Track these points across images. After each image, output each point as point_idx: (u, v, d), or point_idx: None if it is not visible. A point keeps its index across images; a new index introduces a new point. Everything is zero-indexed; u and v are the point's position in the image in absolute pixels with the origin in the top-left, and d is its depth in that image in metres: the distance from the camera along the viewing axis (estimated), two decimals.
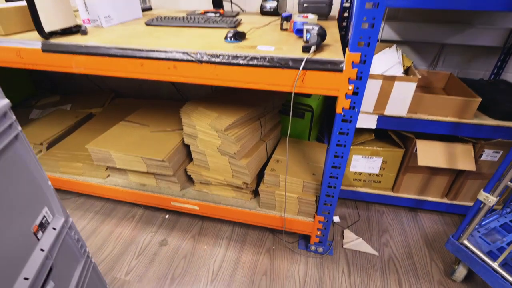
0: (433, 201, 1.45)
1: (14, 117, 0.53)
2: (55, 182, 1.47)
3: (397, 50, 1.44)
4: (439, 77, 1.51)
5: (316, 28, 0.93)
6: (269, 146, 1.36)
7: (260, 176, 1.31)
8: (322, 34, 0.93)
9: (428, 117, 1.22)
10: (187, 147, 1.34)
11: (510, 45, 1.54)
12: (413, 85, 1.14)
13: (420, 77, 1.15)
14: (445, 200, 1.45)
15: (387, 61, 1.33)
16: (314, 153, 1.35)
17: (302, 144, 1.42)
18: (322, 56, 0.85)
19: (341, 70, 0.81)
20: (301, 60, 0.83)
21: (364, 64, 0.79)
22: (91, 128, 1.68)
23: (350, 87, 0.83)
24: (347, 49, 0.81)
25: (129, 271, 1.20)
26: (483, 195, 0.99)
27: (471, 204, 1.42)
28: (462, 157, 1.27)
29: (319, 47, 0.91)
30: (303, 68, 0.83)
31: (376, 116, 1.24)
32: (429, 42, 1.64)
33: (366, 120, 1.26)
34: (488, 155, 1.28)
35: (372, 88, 1.18)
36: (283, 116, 1.50)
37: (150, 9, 1.73)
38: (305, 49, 0.87)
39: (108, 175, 1.44)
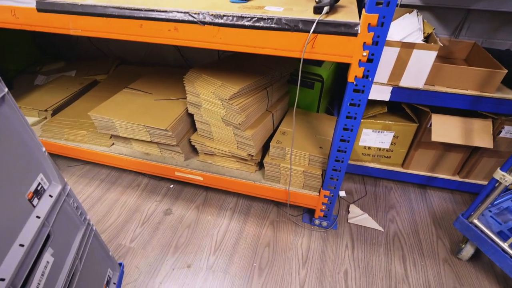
0: (444, 178, 1.40)
1: (1, 80, 0.49)
2: (60, 149, 1.47)
3: (417, 15, 1.32)
4: (462, 46, 1.40)
5: None
6: (275, 117, 1.31)
7: (265, 148, 1.28)
8: None
9: (446, 89, 1.13)
10: (191, 116, 1.31)
11: None
12: (433, 54, 1.05)
13: (441, 45, 1.05)
14: (457, 178, 1.40)
15: (407, 27, 1.22)
16: (323, 126, 1.30)
17: (310, 116, 1.36)
18: (336, 18, 0.77)
19: (355, 34, 0.74)
20: (312, 22, 0.75)
21: (381, 27, 0.71)
22: (96, 95, 1.65)
23: (365, 53, 0.76)
24: (363, 10, 0.73)
25: (134, 239, 1.22)
26: (499, 174, 0.94)
27: (484, 182, 1.37)
28: (480, 134, 1.20)
29: (333, 7, 0.82)
30: (314, 32, 0.76)
31: (390, 88, 1.17)
32: (453, 7, 1.50)
33: (379, 92, 1.18)
34: (508, 131, 1.21)
35: (388, 57, 1.10)
36: (291, 86, 1.43)
37: None
38: (317, 10, 0.79)
39: (113, 144, 1.43)
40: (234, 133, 1.17)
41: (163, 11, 0.86)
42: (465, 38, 1.62)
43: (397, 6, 1.52)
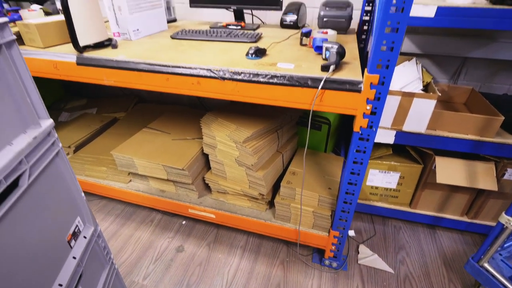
0: (452, 219, 1.42)
1: (56, 135, 0.58)
2: (81, 185, 1.54)
3: (417, 64, 1.43)
4: (461, 91, 1.49)
5: (336, 46, 0.95)
6: (285, 157, 1.38)
7: (276, 187, 1.34)
8: (341, 53, 0.95)
9: (447, 134, 1.20)
10: (205, 155, 1.39)
11: None
12: (433, 103, 1.13)
13: (439, 94, 1.14)
14: (465, 219, 1.41)
15: (407, 75, 1.32)
16: (331, 166, 1.36)
17: (318, 156, 1.43)
18: (341, 75, 0.87)
19: (359, 91, 0.83)
20: (320, 80, 0.85)
21: (382, 85, 0.80)
22: (116, 132, 1.76)
23: (368, 107, 0.84)
24: (365, 70, 0.83)
25: (147, 276, 1.25)
26: (504, 218, 0.97)
27: (493, 224, 1.38)
28: (483, 176, 1.24)
29: (338, 66, 0.92)
30: (322, 88, 0.85)
31: (394, 132, 1.24)
32: (450, 55, 1.62)
33: (384, 135, 1.26)
34: (511, 174, 1.25)
35: (391, 104, 1.18)
36: (300, 127, 1.52)
37: (174, 20, 1.80)
38: (324, 68, 0.90)
39: (130, 180, 1.50)
40: (246, 173, 1.24)
41: (188, 68, 0.97)
42: (464, 82, 1.72)
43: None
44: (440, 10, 0.99)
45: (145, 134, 1.53)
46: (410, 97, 1.15)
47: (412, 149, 1.37)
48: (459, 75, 1.71)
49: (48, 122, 0.56)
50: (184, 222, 1.51)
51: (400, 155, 1.40)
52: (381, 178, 1.41)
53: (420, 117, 1.18)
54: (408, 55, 1.61)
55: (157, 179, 1.41)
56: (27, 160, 0.50)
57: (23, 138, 0.50)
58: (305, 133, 1.53)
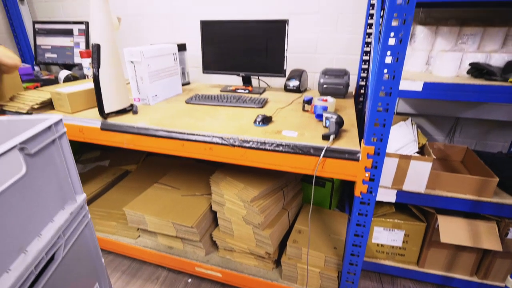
0: (462, 279, 1.39)
1: (87, 207, 0.66)
2: None
3: (412, 125, 1.53)
4: (457, 150, 1.56)
5: (335, 116, 1.06)
6: (291, 214, 1.42)
7: (282, 244, 1.35)
8: (339, 123, 1.05)
9: (447, 194, 1.25)
10: (213, 212, 1.43)
11: None
12: (429, 165, 1.21)
13: (434, 157, 1.21)
14: (475, 279, 1.39)
15: (403, 137, 1.42)
16: (336, 224, 1.39)
17: (323, 213, 1.46)
18: (340, 144, 0.96)
19: (357, 160, 0.91)
20: (321, 149, 0.94)
21: (378, 156, 0.88)
22: (127, 185, 1.83)
23: (367, 174, 0.91)
24: (362, 141, 0.92)
25: None
26: (510, 282, 0.97)
27: (503, 285, 1.35)
28: (487, 236, 1.26)
29: (337, 135, 1.02)
30: (323, 156, 0.94)
31: (395, 191, 1.29)
32: (444, 115, 1.73)
33: (385, 194, 1.31)
34: None
35: (389, 165, 1.26)
36: (304, 184, 1.58)
37: (188, 83, 1.98)
38: (325, 138, 0.99)
39: (139, 236, 1.53)
40: (253, 232, 1.27)
41: (202, 135, 1.08)
42: (459, 139, 1.81)
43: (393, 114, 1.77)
44: (426, 85, 1.11)
45: (156, 189, 1.59)
46: (407, 159, 1.23)
47: (415, 207, 1.40)
48: (454, 133, 1.81)
49: (82, 197, 0.64)
50: (190, 280, 1.50)
51: (403, 213, 1.44)
52: (386, 235, 1.42)
53: (419, 177, 1.24)
54: (404, 115, 1.73)
55: (165, 236, 1.44)
56: (64, 234, 0.56)
57: (62, 214, 0.57)
58: (310, 189, 1.58)
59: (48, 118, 0.54)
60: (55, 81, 1.99)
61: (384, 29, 0.76)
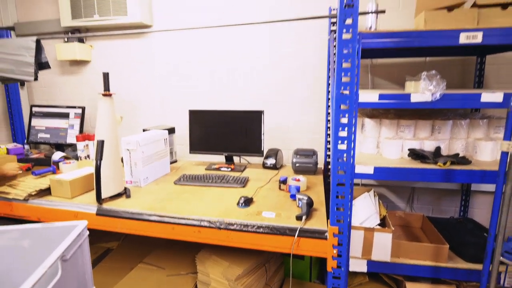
0: None
1: None
2: None
3: (374, 196, 1.76)
4: (415, 218, 1.78)
5: (305, 198, 1.26)
6: None
7: None
8: (310, 204, 1.25)
9: (409, 261, 1.42)
10: None
11: (466, 187, 1.88)
12: (389, 236, 1.39)
13: (393, 229, 1.41)
14: None
15: (367, 209, 1.63)
16: None
17: (304, 286, 1.55)
18: (311, 223, 1.14)
19: (325, 238, 1.08)
20: (295, 230, 1.11)
21: (342, 235, 1.06)
22: (109, 266, 1.81)
23: (335, 251, 1.07)
24: (328, 221, 1.10)
25: None
26: None
27: None
28: None
29: (309, 215, 1.21)
30: (298, 236, 1.10)
31: (365, 261, 1.44)
32: (400, 185, 2.00)
33: (357, 264, 1.45)
34: None
35: (357, 238, 1.43)
36: (285, 258, 1.68)
37: (175, 161, 2.17)
38: (298, 218, 1.17)
39: None
40: None
41: (191, 219, 1.22)
42: (418, 206, 2.05)
43: (358, 185, 2.01)
44: (376, 169, 1.37)
45: (141, 270, 1.63)
46: (371, 231, 1.42)
47: (385, 276, 1.54)
48: (413, 200, 2.06)
49: None
50: None
51: (377, 281, 1.56)
52: None
53: (383, 247, 1.42)
54: (368, 186, 1.97)
55: None
56: None
57: None
58: (289, 261, 1.68)
59: (77, 224, 0.68)
60: (46, 160, 2.08)
61: (333, 127, 1.01)
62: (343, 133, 1.01)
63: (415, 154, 1.47)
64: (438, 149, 1.47)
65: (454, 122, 1.56)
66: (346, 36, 0.96)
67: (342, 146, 1.01)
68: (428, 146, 1.50)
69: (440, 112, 1.77)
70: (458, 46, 1.30)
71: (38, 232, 0.70)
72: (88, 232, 0.73)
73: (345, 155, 1.02)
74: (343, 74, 0.98)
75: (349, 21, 0.95)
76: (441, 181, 1.34)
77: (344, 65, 0.98)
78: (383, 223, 1.52)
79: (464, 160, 1.43)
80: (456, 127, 1.56)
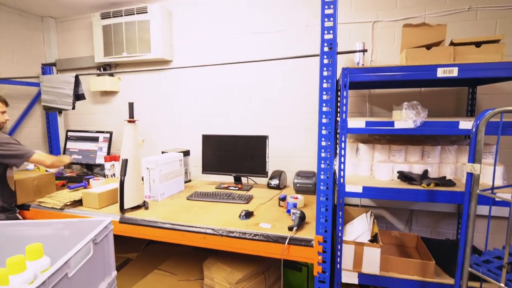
0: None
1: (115, 281, 0.96)
2: None
3: (370, 216, 1.88)
4: (410, 238, 1.88)
5: (299, 212, 1.43)
6: None
7: None
8: (302, 217, 1.42)
9: (398, 275, 1.51)
10: None
11: (462, 210, 1.96)
12: (378, 250, 1.51)
13: (381, 244, 1.53)
14: None
15: (361, 227, 1.76)
16: None
17: None
18: (302, 233, 1.31)
19: (312, 246, 1.24)
20: (286, 238, 1.28)
21: (325, 243, 1.22)
22: (128, 273, 2.02)
23: (320, 258, 1.23)
24: (314, 231, 1.27)
25: None
26: None
27: None
28: None
29: (300, 226, 1.37)
30: (288, 243, 1.27)
31: (357, 273, 1.55)
32: (399, 208, 2.11)
33: (349, 276, 1.56)
34: None
35: (348, 251, 1.56)
36: (285, 269, 1.82)
37: (189, 181, 2.40)
38: (290, 229, 1.34)
39: None
40: None
41: (198, 227, 1.42)
42: (416, 227, 2.13)
43: (358, 206, 2.14)
44: (365, 188, 1.52)
45: (156, 275, 1.82)
46: (361, 246, 1.54)
47: None
48: (411, 222, 2.14)
49: (114, 272, 0.95)
50: None
51: None
52: None
53: (372, 261, 1.53)
54: (367, 207, 2.10)
55: None
56: None
57: (103, 285, 0.88)
58: (291, 274, 1.81)
59: (104, 219, 0.90)
60: (77, 178, 2.39)
61: (318, 148, 1.21)
62: (324, 154, 1.21)
63: (403, 176, 1.62)
64: (425, 172, 1.61)
65: (443, 147, 1.70)
66: (326, 73, 1.19)
67: (324, 165, 1.20)
68: (417, 169, 1.64)
69: (433, 138, 1.92)
70: (446, 79, 1.45)
71: (76, 224, 0.93)
72: (112, 227, 0.94)
73: (327, 173, 1.21)
74: (324, 105, 1.20)
75: (326, 60, 1.18)
76: (424, 200, 1.47)
77: (325, 97, 1.20)
78: (375, 240, 1.64)
79: (449, 182, 1.55)
80: (444, 152, 1.70)
